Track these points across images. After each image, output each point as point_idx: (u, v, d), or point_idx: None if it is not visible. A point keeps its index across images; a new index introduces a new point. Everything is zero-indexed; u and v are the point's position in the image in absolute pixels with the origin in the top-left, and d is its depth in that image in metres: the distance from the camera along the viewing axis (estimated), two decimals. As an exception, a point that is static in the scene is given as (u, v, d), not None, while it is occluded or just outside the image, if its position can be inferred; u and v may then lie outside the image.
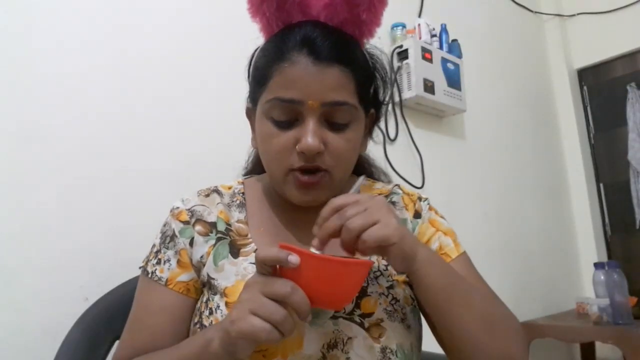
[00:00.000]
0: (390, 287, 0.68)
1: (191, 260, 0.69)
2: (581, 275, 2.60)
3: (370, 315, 0.64)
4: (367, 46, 0.72)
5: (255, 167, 0.84)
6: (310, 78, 0.62)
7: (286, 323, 0.50)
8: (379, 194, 0.77)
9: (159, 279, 0.68)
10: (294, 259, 0.49)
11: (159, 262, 0.69)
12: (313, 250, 0.55)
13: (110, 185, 1.08)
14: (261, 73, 0.66)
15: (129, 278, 0.90)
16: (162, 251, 0.70)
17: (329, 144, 0.64)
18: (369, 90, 0.71)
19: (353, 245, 0.55)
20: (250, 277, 0.54)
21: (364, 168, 0.82)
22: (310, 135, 0.62)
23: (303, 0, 0.66)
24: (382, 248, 0.55)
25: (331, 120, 0.64)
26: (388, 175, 0.85)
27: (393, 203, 0.76)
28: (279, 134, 0.64)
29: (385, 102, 0.77)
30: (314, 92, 0.62)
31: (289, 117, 0.64)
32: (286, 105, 0.63)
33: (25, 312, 0.93)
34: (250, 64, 0.74)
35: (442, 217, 0.77)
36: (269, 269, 0.52)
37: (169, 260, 0.69)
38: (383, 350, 0.62)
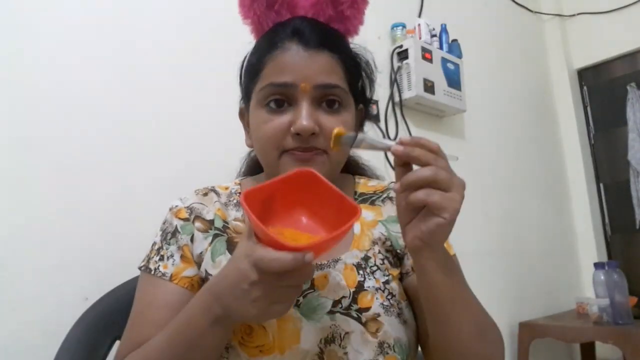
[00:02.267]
0: (387, 282, 0.68)
1: (192, 256, 0.69)
2: (581, 275, 2.60)
3: (367, 309, 0.64)
4: (352, 46, 0.74)
5: (249, 171, 0.85)
6: (302, 62, 0.64)
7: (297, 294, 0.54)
8: (375, 191, 0.78)
9: (163, 274, 0.68)
10: (309, 257, 0.47)
11: (161, 259, 0.69)
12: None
13: (110, 186, 1.08)
14: (254, 67, 0.68)
15: (129, 278, 0.90)
16: (164, 247, 0.70)
17: (323, 125, 0.64)
18: (358, 83, 0.72)
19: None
20: (255, 273, 0.49)
21: (353, 166, 0.84)
22: (304, 116, 0.63)
23: (291, 0, 0.69)
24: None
25: (323, 104, 0.66)
26: (376, 173, 0.86)
27: (390, 199, 0.76)
28: (273, 118, 0.65)
29: (372, 100, 0.78)
30: (305, 75, 0.64)
31: (283, 101, 0.65)
32: (279, 90, 0.64)
33: (26, 312, 0.93)
34: (242, 67, 0.76)
35: None
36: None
37: (172, 256, 0.69)
38: (380, 344, 0.62)
